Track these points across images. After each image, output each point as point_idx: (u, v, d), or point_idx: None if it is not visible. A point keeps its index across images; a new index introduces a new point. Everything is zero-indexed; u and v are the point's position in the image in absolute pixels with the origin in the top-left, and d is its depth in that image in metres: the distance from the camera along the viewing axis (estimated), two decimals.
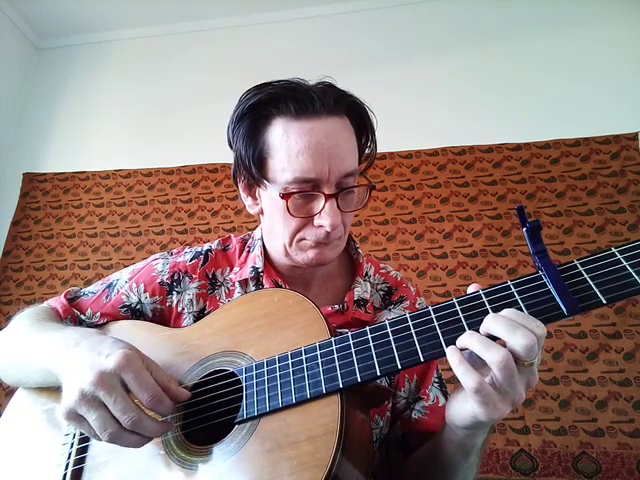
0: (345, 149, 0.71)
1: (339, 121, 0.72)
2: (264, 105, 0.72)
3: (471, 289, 0.58)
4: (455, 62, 2.60)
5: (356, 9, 2.84)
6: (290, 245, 0.76)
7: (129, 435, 0.58)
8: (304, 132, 0.69)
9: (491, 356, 0.50)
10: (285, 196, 0.70)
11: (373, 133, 0.79)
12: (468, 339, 0.52)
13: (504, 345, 0.51)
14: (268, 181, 0.73)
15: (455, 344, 0.54)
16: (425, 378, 0.81)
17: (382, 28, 2.78)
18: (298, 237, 0.75)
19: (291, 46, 2.82)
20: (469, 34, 2.65)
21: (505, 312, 0.53)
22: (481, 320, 0.54)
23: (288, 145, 0.69)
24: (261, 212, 0.81)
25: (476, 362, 0.52)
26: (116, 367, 0.57)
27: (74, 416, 0.57)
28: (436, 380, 0.82)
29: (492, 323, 0.52)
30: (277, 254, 0.82)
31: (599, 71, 2.39)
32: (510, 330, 0.50)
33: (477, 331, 0.54)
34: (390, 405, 0.80)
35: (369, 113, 0.77)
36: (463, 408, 0.56)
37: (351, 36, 2.81)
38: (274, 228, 0.78)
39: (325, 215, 0.70)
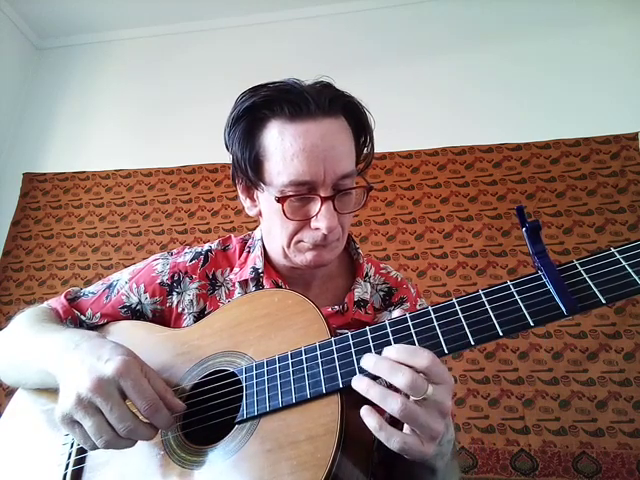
0: (341, 151, 0.71)
1: (335, 122, 0.72)
2: (259, 108, 0.72)
3: (396, 313, 0.59)
4: (455, 62, 2.60)
5: (356, 9, 2.84)
6: (288, 247, 0.76)
7: (124, 441, 0.58)
8: (299, 134, 0.69)
9: (390, 407, 0.51)
10: (281, 199, 0.70)
11: (370, 133, 0.79)
12: (367, 390, 0.53)
13: None
14: (265, 184, 0.73)
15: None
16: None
17: (382, 28, 2.78)
18: (296, 239, 0.75)
19: (291, 46, 2.82)
20: (469, 34, 2.65)
21: (391, 350, 0.54)
22: (481, 320, 0.54)
23: (283, 148, 0.69)
24: (260, 214, 0.81)
25: None
26: (114, 374, 0.57)
27: (69, 421, 0.57)
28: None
29: (376, 366, 0.54)
30: (276, 255, 0.82)
31: (599, 71, 2.39)
32: (391, 372, 0.52)
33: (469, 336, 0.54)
34: None
35: (366, 113, 0.77)
36: None
37: (351, 36, 2.81)
38: (272, 230, 0.78)
39: (322, 217, 0.70)
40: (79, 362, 0.60)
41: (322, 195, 0.70)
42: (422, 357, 0.52)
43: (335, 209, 0.71)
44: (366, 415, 0.53)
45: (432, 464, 0.62)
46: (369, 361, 0.55)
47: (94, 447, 0.58)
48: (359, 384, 0.54)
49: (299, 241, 0.75)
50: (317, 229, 0.72)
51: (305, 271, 0.81)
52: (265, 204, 0.77)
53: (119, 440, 0.57)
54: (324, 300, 0.82)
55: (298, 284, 0.83)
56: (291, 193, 0.70)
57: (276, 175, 0.70)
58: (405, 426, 0.53)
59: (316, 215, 0.71)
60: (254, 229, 0.91)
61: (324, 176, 0.69)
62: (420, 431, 0.52)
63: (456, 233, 2.26)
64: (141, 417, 0.59)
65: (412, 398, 0.52)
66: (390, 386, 0.53)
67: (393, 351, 0.54)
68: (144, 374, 0.60)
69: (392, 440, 0.52)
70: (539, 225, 0.55)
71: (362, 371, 0.57)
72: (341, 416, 0.55)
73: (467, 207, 2.30)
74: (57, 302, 0.83)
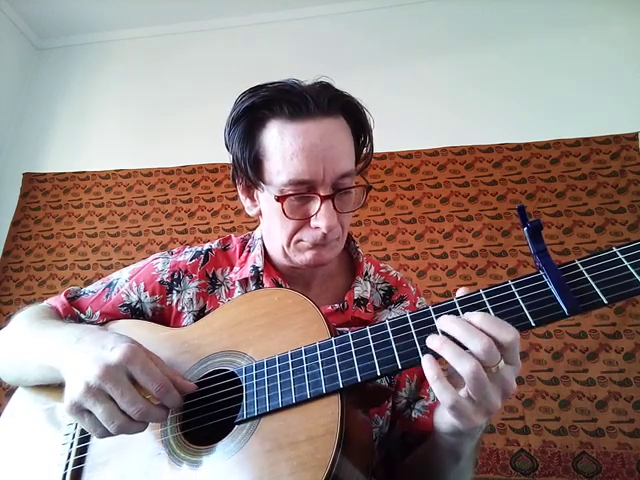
0: (340, 150, 0.71)
1: (334, 122, 0.72)
2: (258, 108, 0.72)
3: (460, 292, 0.58)
4: (455, 62, 2.60)
5: (356, 9, 2.84)
6: (288, 246, 0.76)
7: (137, 425, 0.59)
8: (298, 134, 0.69)
9: (462, 367, 0.50)
10: (281, 199, 0.70)
11: (370, 133, 0.79)
12: (440, 346, 0.53)
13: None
14: (264, 183, 0.73)
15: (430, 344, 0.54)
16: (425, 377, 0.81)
17: (382, 28, 2.78)
18: (295, 239, 0.75)
19: (291, 46, 2.83)
20: (469, 34, 2.65)
21: (475, 316, 0.53)
22: None
23: (282, 147, 0.69)
24: (260, 214, 0.81)
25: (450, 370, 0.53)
26: (122, 359, 0.57)
27: (78, 410, 0.58)
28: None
29: (454, 326, 0.53)
30: (276, 255, 0.82)
31: (599, 71, 2.39)
32: (470, 335, 0.51)
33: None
34: (390, 404, 0.80)
35: (365, 113, 0.77)
36: (445, 417, 0.57)
37: (351, 36, 2.80)
38: (272, 230, 0.78)
39: (321, 217, 0.70)
40: (84, 353, 0.60)
41: (321, 194, 0.70)
42: (508, 331, 0.51)
43: (335, 208, 0.71)
44: (427, 363, 0.53)
45: (463, 449, 0.62)
46: (447, 319, 0.54)
47: (104, 434, 0.58)
48: (433, 341, 0.53)
49: (299, 240, 0.75)
50: (317, 228, 0.72)
51: (305, 270, 0.81)
52: (265, 204, 0.77)
53: (132, 424, 0.58)
54: (324, 299, 0.82)
55: (298, 283, 0.83)
56: (291, 192, 0.70)
57: (276, 174, 0.70)
58: (463, 390, 0.52)
59: (316, 214, 0.71)
60: (254, 229, 0.91)
61: (323, 175, 0.69)
62: (479, 400, 0.51)
63: (456, 233, 2.26)
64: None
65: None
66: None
67: (477, 317, 0.52)
68: (150, 359, 0.61)
69: (445, 394, 0.52)
70: (540, 224, 0.55)
71: (364, 371, 0.57)
72: (341, 416, 0.55)
73: (467, 207, 2.30)
74: (57, 301, 0.83)
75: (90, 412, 0.57)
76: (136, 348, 0.60)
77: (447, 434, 0.59)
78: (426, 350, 0.55)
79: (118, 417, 0.57)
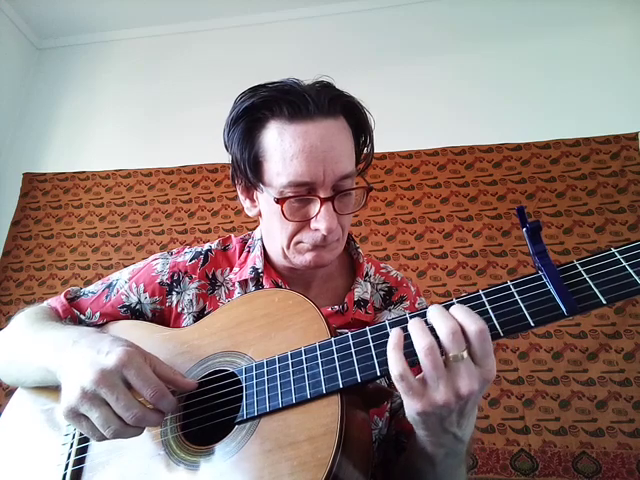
0: (340, 151, 0.70)
1: (334, 123, 0.71)
2: (258, 108, 0.71)
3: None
4: (455, 62, 2.60)
5: (356, 9, 2.84)
6: (288, 248, 0.76)
7: (133, 430, 0.58)
8: (298, 135, 0.68)
9: (417, 341, 0.52)
10: (280, 200, 0.70)
11: (370, 133, 0.79)
12: (412, 323, 0.54)
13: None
14: (264, 184, 0.73)
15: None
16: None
17: (382, 28, 2.78)
18: (295, 240, 0.74)
19: (291, 46, 2.83)
20: (469, 34, 2.65)
21: (453, 306, 0.54)
22: None
23: (282, 149, 0.69)
24: (259, 214, 0.81)
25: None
26: (117, 364, 0.57)
27: (74, 415, 0.57)
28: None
29: (430, 311, 0.54)
30: (276, 256, 0.82)
31: (599, 71, 2.39)
32: (439, 317, 0.52)
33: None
34: (389, 406, 0.80)
35: (365, 113, 0.77)
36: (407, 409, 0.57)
37: (351, 36, 2.80)
38: (272, 231, 0.78)
39: (321, 219, 0.70)
40: (80, 357, 0.60)
41: (321, 196, 0.69)
42: (474, 320, 0.51)
43: (335, 210, 0.71)
44: (393, 332, 0.54)
45: (431, 453, 0.61)
46: (433, 306, 0.55)
47: (102, 438, 0.58)
48: (412, 320, 0.55)
49: (299, 242, 0.74)
50: (317, 230, 0.71)
51: (305, 271, 0.81)
52: (264, 205, 0.76)
53: (127, 429, 0.58)
54: (324, 300, 0.82)
55: (298, 284, 0.83)
56: (290, 194, 0.70)
57: (275, 176, 0.70)
58: (419, 375, 0.53)
59: (315, 216, 0.70)
60: (254, 229, 0.91)
61: (323, 177, 0.69)
62: (432, 382, 0.51)
63: (456, 233, 2.26)
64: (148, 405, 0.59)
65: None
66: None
67: (454, 306, 0.54)
68: (148, 362, 0.60)
69: (395, 365, 0.52)
70: (540, 225, 0.55)
71: (364, 371, 0.57)
72: (341, 416, 0.55)
73: (467, 207, 2.30)
74: (57, 301, 0.83)
75: (87, 417, 0.57)
76: (132, 352, 0.59)
77: (410, 421, 0.58)
78: None
79: (113, 422, 0.57)
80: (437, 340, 0.52)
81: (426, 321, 0.54)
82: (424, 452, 0.62)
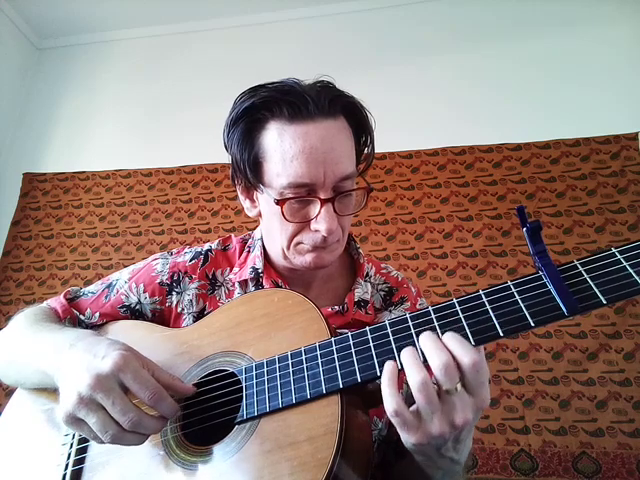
0: (340, 152, 0.70)
1: (334, 123, 0.71)
2: (258, 109, 0.71)
3: None
4: (455, 62, 2.60)
5: (356, 9, 2.84)
6: (288, 249, 0.75)
7: (130, 435, 0.57)
8: (298, 136, 0.68)
9: (412, 376, 0.51)
10: (280, 202, 0.69)
11: (371, 133, 0.78)
12: (404, 354, 0.53)
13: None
14: (264, 185, 0.73)
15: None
16: None
17: (382, 28, 2.78)
18: (295, 241, 0.74)
19: (291, 46, 2.82)
20: (469, 34, 2.65)
21: (446, 334, 0.53)
22: (482, 320, 0.54)
23: (282, 150, 0.68)
24: (259, 215, 0.81)
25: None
26: (113, 369, 0.56)
27: (73, 420, 0.57)
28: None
29: (422, 339, 0.53)
30: (276, 256, 0.81)
31: (599, 71, 2.38)
32: (432, 349, 0.51)
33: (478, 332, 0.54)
34: None
35: (366, 113, 0.76)
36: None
37: (351, 36, 2.80)
38: (272, 232, 0.78)
39: (321, 220, 0.69)
40: (77, 361, 0.60)
41: (322, 197, 0.69)
42: (467, 352, 0.50)
43: (335, 211, 0.71)
44: (387, 367, 0.53)
45: (429, 474, 0.61)
46: (425, 333, 0.54)
47: (101, 443, 0.58)
48: (402, 352, 0.54)
49: (299, 243, 0.74)
50: (317, 231, 0.71)
51: (305, 272, 0.80)
52: (264, 205, 0.76)
53: (125, 434, 0.57)
54: (324, 300, 0.82)
55: (298, 284, 0.83)
56: (290, 195, 0.69)
57: (275, 177, 0.70)
58: (413, 407, 0.52)
59: (316, 217, 0.70)
60: (254, 229, 0.90)
61: (324, 178, 0.68)
62: (424, 418, 0.51)
63: (456, 233, 2.26)
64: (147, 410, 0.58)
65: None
66: None
67: (447, 334, 0.53)
68: (145, 366, 0.60)
69: (390, 401, 0.51)
70: (540, 225, 0.55)
71: (364, 371, 0.57)
72: (341, 416, 0.55)
73: (467, 207, 2.29)
74: (56, 302, 0.83)
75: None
76: (128, 356, 0.59)
77: (406, 447, 0.58)
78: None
79: (111, 427, 0.56)
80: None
81: (419, 348, 0.53)
82: (422, 472, 0.62)
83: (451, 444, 0.54)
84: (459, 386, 0.50)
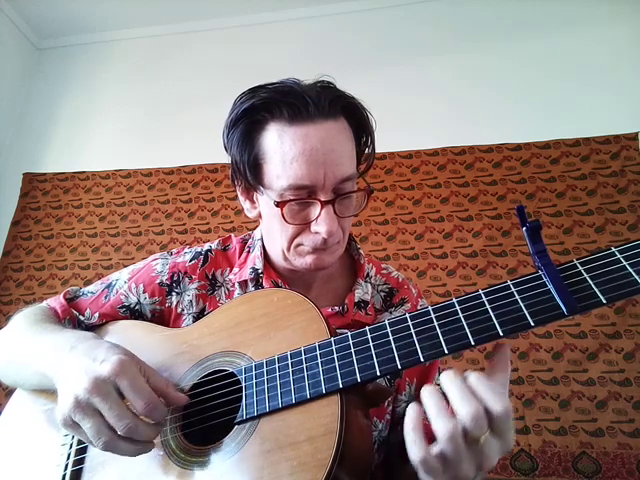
0: (341, 154, 0.70)
1: (334, 124, 0.70)
2: (258, 110, 0.70)
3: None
4: (455, 62, 2.60)
5: (356, 9, 2.84)
6: (288, 250, 0.75)
7: (124, 443, 0.57)
8: (298, 138, 0.68)
9: (438, 425, 0.48)
10: (280, 204, 0.69)
11: (371, 133, 0.78)
12: (427, 397, 0.51)
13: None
14: (264, 187, 0.72)
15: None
16: (426, 381, 0.81)
17: (382, 28, 2.78)
18: (295, 243, 0.74)
19: (291, 46, 2.82)
20: (469, 34, 2.65)
21: (471, 376, 0.50)
22: (481, 320, 0.54)
23: (282, 151, 0.68)
24: (259, 216, 0.80)
25: None
26: (111, 373, 0.56)
27: (70, 423, 0.57)
28: (437, 383, 0.82)
29: (447, 382, 0.50)
30: (276, 257, 0.81)
31: (599, 71, 2.38)
32: (460, 396, 0.48)
33: (480, 332, 0.53)
34: (390, 408, 0.79)
35: (366, 113, 0.76)
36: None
37: (351, 36, 2.80)
38: (272, 233, 0.78)
39: (321, 222, 0.69)
40: (76, 364, 0.60)
41: (322, 199, 0.69)
42: (498, 401, 0.47)
43: (335, 213, 0.70)
44: (410, 409, 0.50)
45: None
46: (447, 374, 0.51)
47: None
48: (424, 391, 0.51)
49: (299, 245, 0.74)
50: (317, 233, 0.71)
51: (305, 272, 0.80)
52: (264, 207, 0.76)
53: (118, 441, 0.56)
54: (324, 301, 0.82)
55: (298, 285, 0.82)
56: (291, 197, 0.69)
57: (275, 179, 0.69)
58: (437, 447, 0.49)
59: (316, 219, 0.70)
60: (254, 229, 0.90)
61: (324, 180, 0.68)
62: (449, 464, 0.48)
63: (456, 233, 2.26)
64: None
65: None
66: None
67: (473, 377, 0.50)
68: (142, 373, 0.59)
69: (415, 448, 0.49)
70: (539, 225, 0.55)
71: (363, 371, 0.56)
72: (341, 416, 0.55)
73: (467, 207, 2.30)
74: (56, 302, 0.83)
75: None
76: (126, 361, 0.58)
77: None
78: (427, 349, 0.54)
79: (105, 433, 0.56)
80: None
81: (439, 385, 0.51)
82: None
83: None
84: (488, 433, 0.48)
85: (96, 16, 3.03)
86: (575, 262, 0.54)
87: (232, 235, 0.92)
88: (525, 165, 2.31)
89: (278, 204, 0.69)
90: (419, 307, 0.88)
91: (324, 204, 0.69)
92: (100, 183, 2.75)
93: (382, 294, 0.87)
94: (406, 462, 0.75)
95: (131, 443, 0.57)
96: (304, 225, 0.72)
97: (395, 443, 0.78)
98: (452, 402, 0.49)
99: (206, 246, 0.88)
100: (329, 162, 0.68)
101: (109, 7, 2.95)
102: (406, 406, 0.78)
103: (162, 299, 0.82)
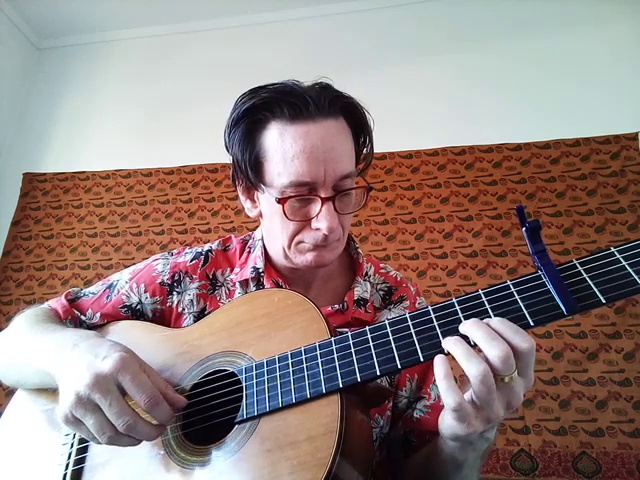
0: (341, 152, 0.71)
1: (334, 123, 0.72)
2: (259, 109, 0.72)
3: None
4: (455, 62, 2.60)
5: (356, 9, 2.84)
6: (289, 248, 0.76)
7: (126, 438, 0.57)
8: (299, 136, 0.69)
9: (470, 368, 0.49)
10: (281, 200, 0.70)
11: (370, 133, 0.79)
12: (454, 345, 0.52)
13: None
14: (265, 185, 0.73)
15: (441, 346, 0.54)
16: (426, 377, 0.82)
17: (382, 28, 2.78)
18: (296, 240, 0.75)
19: (291, 46, 2.83)
20: (469, 34, 2.65)
21: (494, 320, 0.52)
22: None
23: (283, 149, 0.69)
24: (260, 215, 0.81)
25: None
26: (112, 370, 0.56)
27: (72, 419, 0.57)
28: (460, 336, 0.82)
29: (472, 328, 0.52)
30: (277, 256, 0.82)
31: (599, 71, 2.39)
32: (488, 339, 0.50)
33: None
34: (391, 404, 0.80)
35: (365, 113, 0.77)
36: (446, 421, 0.56)
37: (351, 36, 2.81)
38: (273, 231, 0.78)
39: (322, 218, 0.70)
40: (78, 361, 0.60)
41: (322, 196, 0.70)
42: (525, 339, 0.49)
43: (335, 210, 0.71)
44: (438, 360, 0.52)
45: (462, 458, 0.61)
46: (470, 321, 0.53)
47: (100, 442, 0.58)
48: (447, 342, 0.53)
49: (300, 242, 0.75)
50: (318, 230, 0.72)
51: (305, 271, 0.81)
52: (265, 205, 0.77)
53: (121, 437, 0.57)
54: (324, 300, 0.82)
55: (299, 284, 0.83)
56: (291, 194, 0.70)
57: (276, 176, 0.70)
58: (467, 393, 0.51)
59: (317, 216, 0.71)
60: (254, 229, 0.91)
61: (324, 177, 0.69)
62: (482, 407, 0.51)
63: (456, 233, 2.26)
64: (144, 416, 0.58)
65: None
66: None
67: (495, 321, 0.52)
68: (143, 370, 0.60)
69: (450, 394, 0.50)
70: (539, 225, 0.55)
71: (363, 370, 0.57)
72: (341, 416, 0.55)
73: (467, 207, 2.30)
74: (57, 302, 0.83)
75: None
76: (128, 358, 0.59)
77: (448, 438, 0.58)
78: (426, 349, 0.55)
79: (107, 429, 0.56)
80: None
81: (461, 334, 0.53)
82: (453, 458, 0.62)
83: (495, 425, 0.55)
84: (516, 373, 0.50)
85: (96, 16, 3.03)
86: (575, 262, 0.54)
87: (232, 236, 0.93)
88: (525, 165, 2.31)
89: (279, 200, 0.70)
90: (417, 305, 0.88)
91: (325, 201, 0.70)
92: (100, 183, 2.75)
93: (381, 292, 0.87)
94: (407, 457, 0.76)
95: (132, 438, 0.58)
96: (305, 222, 0.73)
97: (397, 439, 0.79)
98: (480, 345, 0.50)
99: (206, 246, 0.89)
100: (329, 159, 0.69)
101: (109, 7, 2.95)
102: (407, 402, 0.79)
103: (163, 299, 0.82)
